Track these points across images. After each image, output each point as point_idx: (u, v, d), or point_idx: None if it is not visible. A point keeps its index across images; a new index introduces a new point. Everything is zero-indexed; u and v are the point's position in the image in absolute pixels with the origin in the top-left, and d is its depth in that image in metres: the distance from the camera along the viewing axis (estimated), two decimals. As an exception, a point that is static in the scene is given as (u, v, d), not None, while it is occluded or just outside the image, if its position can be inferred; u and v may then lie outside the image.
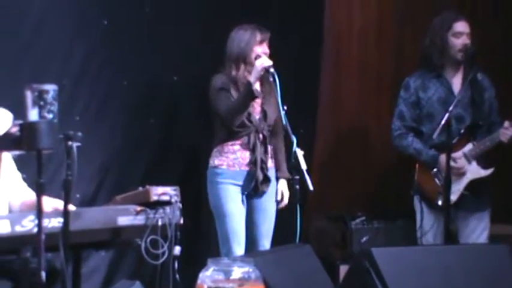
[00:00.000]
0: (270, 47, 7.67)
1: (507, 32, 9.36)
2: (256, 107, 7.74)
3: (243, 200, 7.67)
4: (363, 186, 8.86)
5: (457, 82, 7.69)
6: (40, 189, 5.04)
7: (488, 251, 7.13)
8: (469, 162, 7.53)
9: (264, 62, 7.44)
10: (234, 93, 7.68)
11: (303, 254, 6.72)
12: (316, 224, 8.29)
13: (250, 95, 7.48)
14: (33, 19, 7.67)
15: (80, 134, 5.26)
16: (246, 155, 7.68)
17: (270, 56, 7.56)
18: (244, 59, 7.67)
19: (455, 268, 6.58)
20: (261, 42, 7.67)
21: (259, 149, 7.70)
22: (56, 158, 5.97)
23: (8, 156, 6.32)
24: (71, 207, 5.44)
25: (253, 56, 7.58)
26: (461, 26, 7.70)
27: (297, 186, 6.94)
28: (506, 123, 7.20)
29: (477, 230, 7.75)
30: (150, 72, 8.00)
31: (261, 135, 7.67)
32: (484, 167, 7.52)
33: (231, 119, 7.60)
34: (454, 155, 7.47)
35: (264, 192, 7.62)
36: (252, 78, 7.49)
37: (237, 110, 7.60)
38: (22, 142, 5.21)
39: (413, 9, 9.14)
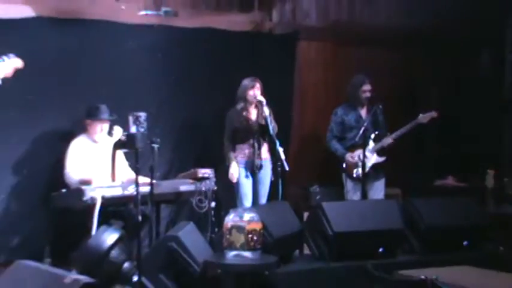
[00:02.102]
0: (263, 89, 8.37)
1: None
2: (253, 125, 8.44)
3: (247, 176, 8.52)
4: (317, 168, 9.51)
5: (362, 112, 8.89)
6: (137, 171, 6.32)
7: (385, 203, 8.27)
8: (372, 154, 8.71)
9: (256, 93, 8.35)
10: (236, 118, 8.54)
11: (283, 207, 7.62)
12: (291, 190, 8.72)
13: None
14: (132, 68, 8.59)
15: (158, 140, 6.58)
16: (249, 151, 8.45)
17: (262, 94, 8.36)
18: (244, 96, 8.43)
19: (368, 212, 7.53)
20: (253, 86, 8.39)
21: (256, 148, 8.39)
22: (146, 153, 6.48)
23: (120, 152, 7.56)
24: (154, 181, 6.51)
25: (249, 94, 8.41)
26: (366, 86, 8.82)
27: (279, 169, 7.98)
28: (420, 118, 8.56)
29: (378, 191, 8.92)
30: (202, 105, 8.96)
31: (256, 141, 8.38)
32: (380, 156, 8.81)
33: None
34: (356, 152, 8.79)
35: (260, 172, 8.47)
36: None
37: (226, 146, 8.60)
38: (127, 144, 6.57)
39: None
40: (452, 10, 9.37)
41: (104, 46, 8.56)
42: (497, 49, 9.63)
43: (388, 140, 8.77)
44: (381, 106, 8.87)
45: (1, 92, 6.78)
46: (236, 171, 8.58)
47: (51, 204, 7.65)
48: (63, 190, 7.67)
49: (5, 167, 8.14)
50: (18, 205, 8.20)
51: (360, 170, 8.67)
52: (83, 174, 7.75)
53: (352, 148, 8.90)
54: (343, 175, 8.99)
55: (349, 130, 8.94)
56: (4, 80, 6.77)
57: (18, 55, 6.92)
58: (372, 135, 8.81)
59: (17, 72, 6.82)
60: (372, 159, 8.79)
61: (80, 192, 7.19)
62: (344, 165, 8.94)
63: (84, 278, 4.54)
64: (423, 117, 8.68)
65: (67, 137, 8.08)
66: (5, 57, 6.73)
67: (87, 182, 7.48)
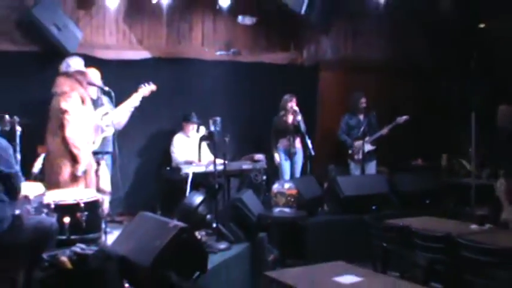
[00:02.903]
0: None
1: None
2: (290, 126, 8.29)
3: (286, 159, 8.36)
4: (332, 154, 9.26)
5: (361, 117, 8.83)
6: (215, 156, 6.32)
7: (376, 176, 8.42)
8: (367, 144, 8.61)
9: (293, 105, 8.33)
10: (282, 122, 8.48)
11: (310, 179, 7.77)
12: (315, 168, 8.27)
13: None
14: (211, 89, 8.60)
15: (228, 135, 6.51)
16: (287, 143, 8.31)
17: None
18: (285, 107, 8.41)
19: (365, 182, 7.80)
20: (290, 100, 8.37)
21: (291, 141, 8.20)
22: (220, 144, 6.37)
23: (204, 143, 7.39)
24: (226, 162, 6.48)
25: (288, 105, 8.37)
26: (363, 99, 8.81)
27: (308, 154, 8.00)
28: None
29: (371, 168, 8.78)
30: (256, 112, 8.84)
31: (291, 136, 8.23)
32: (372, 145, 8.72)
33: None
34: (357, 143, 8.72)
35: (294, 156, 8.28)
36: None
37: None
38: (208, 138, 6.56)
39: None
40: (424, 47, 9.37)
41: (194, 75, 8.63)
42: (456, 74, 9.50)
43: (383, 131, 8.71)
44: (374, 113, 8.87)
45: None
46: (278, 156, 8.55)
47: (161, 176, 7.83)
48: (168, 167, 7.85)
49: (132, 151, 8.29)
50: (140, 177, 8.33)
51: (360, 155, 8.63)
52: (184, 157, 7.88)
53: (354, 140, 8.82)
54: (349, 158, 8.93)
55: (352, 129, 8.90)
56: (143, 98, 7.20)
57: (140, 83, 7.30)
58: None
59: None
60: (367, 147, 8.66)
61: (178, 169, 7.41)
62: (350, 152, 8.88)
63: (181, 224, 4.55)
64: (399, 119, 8.62)
65: (171, 133, 8.21)
66: (146, 84, 7.23)
67: (189, 163, 7.65)
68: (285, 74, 9.19)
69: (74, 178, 6.21)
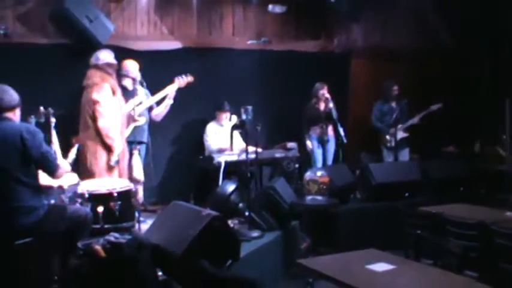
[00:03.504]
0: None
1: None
2: (322, 113, 8.36)
3: (318, 146, 8.44)
4: (364, 141, 9.17)
5: (393, 104, 8.79)
6: (247, 144, 6.22)
7: (409, 163, 8.35)
8: (400, 131, 8.61)
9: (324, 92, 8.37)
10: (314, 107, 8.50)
11: (342, 167, 7.72)
12: (347, 156, 8.20)
13: None
14: (243, 78, 8.55)
15: (260, 123, 6.42)
16: (320, 130, 8.38)
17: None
18: (317, 95, 8.45)
19: (398, 169, 7.73)
20: (322, 88, 8.41)
21: (324, 128, 8.30)
22: (252, 132, 6.27)
23: (236, 132, 7.32)
24: (258, 150, 6.47)
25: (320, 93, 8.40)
26: (395, 87, 8.80)
27: (340, 142, 7.92)
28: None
29: (404, 155, 8.77)
30: (288, 100, 8.79)
31: (324, 124, 8.31)
32: (405, 133, 8.72)
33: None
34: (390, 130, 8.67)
35: (327, 144, 8.37)
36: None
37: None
38: (240, 127, 6.54)
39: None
40: (455, 34, 9.21)
41: (226, 64, 8.62)
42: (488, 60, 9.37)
43: (415, 119, 8.65)
44: (406, 100, 8.75)
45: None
46: (311, 144, 8.56)
47: (194, 165, 7.81)
48: (201, 156, 7.85)
49: (166, 141, 8.34)
50: (174, 166, 8.40)
51: (393, 142, 8.58)
52: (217, 145, 7.91)
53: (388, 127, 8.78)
54: (382, 145, 8.90)
55: (385, 116, 8.84)
56: (179, 89, 7.33)
57: (173, 74, 7.39)
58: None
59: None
60: (400, 134, 8.62)
61: (211, 158, 7.40)
62: (385, 138, 8.82)
63: (214, 213, 4.55)
64: (433, 107, 8.58)
65: (203, 123, 8.21)
66: (183, 76, 7.35)
67: (222, 150, 7.70)
68: (315, 62, 9.13)
69: (107, 168, 6.31)
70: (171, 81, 7.47)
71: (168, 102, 7.46)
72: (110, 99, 6.34)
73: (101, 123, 6.24)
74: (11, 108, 4.45)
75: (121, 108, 6.57)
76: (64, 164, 4.79)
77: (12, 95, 4.46)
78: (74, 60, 7.36)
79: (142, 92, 7.28)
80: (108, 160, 6.28)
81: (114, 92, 6.43)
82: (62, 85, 7.30)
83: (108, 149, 6.30)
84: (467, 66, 9.47)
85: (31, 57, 7.30)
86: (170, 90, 7.39)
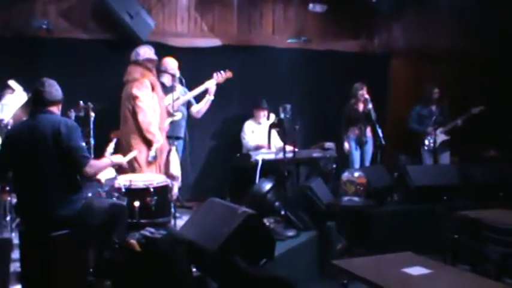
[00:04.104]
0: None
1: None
2: (361, 114, 8.30)
3: (356, 148, 8.41)
4: (403, 143, 9.02)
5: (433, 107, 8.67)
6: (284, 143, 6.17)
7: (448, 166, 8.17)
8: (441, 134, 8.52)
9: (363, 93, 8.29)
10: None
11: (381, 168, 7.58)
12: (386, 157, 8.27)
13: None
14: (282, 76, 8.54)
15: (298, 122, 6.43)
16: (358, 131, 8.35)
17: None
18: (356, 95, 8.38)
19: (437, 172, 7.53)
20: (361, 88, 8.34)
21: (362, 129, 8.28)
22: (290, 131, 6.24)
23: (274, 131, 7.08)
24: (296, 149, 6.42)
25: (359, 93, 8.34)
26: (435, 90, 8.66)
27: (378, 143, 7.97)
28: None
29: (445, 158, 8.66)
30: (326, 100, 8.79)
31: (362, 125, 8.29)
32: (446, 135, 8.58)
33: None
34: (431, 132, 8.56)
35: (365, 145, 8.36)
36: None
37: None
38: (278, 125, 6.45)
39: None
40: (496, 35, 8.93)
41: (265, 63, 8.62)
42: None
43: (458, 122, 8.51)
44: (446, 103, 8.61)
45: (202, 92, 7.31)
46: (348, 145, 8.51)
47: (231, 162, 7.75)
48: (238, 154, 7.81)
49: (203, 138, 8.41)
50: (211, 162, 8.47)
51: (432, 144, 8.48)
52: (255, 143, 7.93)
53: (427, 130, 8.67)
54: (422, 148, 8.75)
55: (424, 120, 8.71)
56: (218, 86, 7.37)
57: (212, 71, 7.40)
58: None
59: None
60: (441, 137, 8.53)
61: (248, 156, 7.32)
62: (424, 141, 8.69)
63: (250, 211, 4.54)
64: (474, 110, 8.43)
65: (241, 120, 8.22)
66: (222, 71, 7.35)
67: (260, 147, 7.73)
68: (355, 62, 9.08)
69: (147, 163, 6.38)
70: (210, 78, 7.48)
71: (208, 98, 7.47)
72: (149, 95, 6.41)
73: (141, 118, 6.31)
74: (56, 103, 4.54)
75: (160, 103, 6.63)
76: (99, 164, 4.70)
77: (58, 90, 4.55)
78: (114, 55, 7.47)
79: (179, 88, 7.32)
80: (145, 155, 6.34)
81: (153, 88, 6.49)
82: (102, 80, 7.40)
83: (148, 144, 6.37)
84: (510, 69, 9.26)
85: (72, 52, 7.43)
86: (208, 86, 7.40)
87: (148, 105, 6.37)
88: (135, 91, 6.36)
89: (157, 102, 6.53)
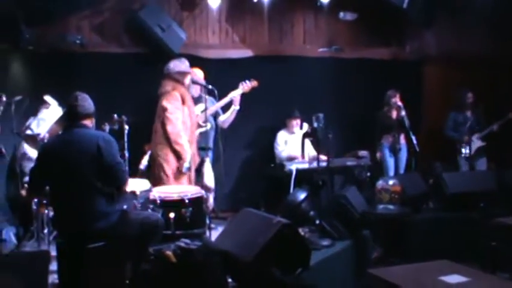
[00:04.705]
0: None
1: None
2: (394, 121, 8.17)
3: (390, 155, 8.35)
4: (438, 150, 8.95)
5: (468, 113, 8.52)
6: (318, 152, 6.32)
7: (485, 173, 8.03)
8: (477, 140, 8.37)
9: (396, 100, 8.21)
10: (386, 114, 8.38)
11: (415, 176, 7.50)
12: (420, 164, 8.18)
13: None
14: (314, 85, 8.59)
15: (331, 131, 6.47)
16: (392, 139, 8.28)
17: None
18: (389, 102, 8.32)
19: (473, 179, 7.31)
20: (394, 95, 8.26)
21: (396, 137, 8.17)
22: (324, 140, 6.38)
23: (307, 140, 7.33)
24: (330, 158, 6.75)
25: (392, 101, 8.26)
26: (469, 95, 8.52)
27: (412, 150, 7.96)
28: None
29: (481, 165, 8.48)
30: (359, 108, 8.70)
31: (396, 132, 8.17)
32: (482, 141, 8.42)
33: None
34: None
35: (399, 152, 8.25)
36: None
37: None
38: (311, 135, 6.56)
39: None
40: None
41: (297, 72, 8.65)
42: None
43: (494, 127, 8.33)
44: (481, 109, 8.51)
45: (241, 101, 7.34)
46: (379, 155, 8.50)
47: (265, 172, 7.86)
48: (272, 164, 7.90)
49: (237, 148, 8.43)
50: (245, 173, 8.52)
51: (468, 150, 8.34)
52: (287, 153, 7.97)
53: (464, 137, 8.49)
54: (458, 155, 8.62)
55: (460, 126, 8.56)
56: (246, 95, 7.35)
57: (241, 81, 7.39)
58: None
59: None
60: (477, 143, 8.42)
61: (282, 166, 7.42)
62: (460, 148, 8.55)
63: (284, 220, 4.52)
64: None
65: (274, 130, 8.27)
66: (247, 81, 7.32)
67: (293, 158, 7.76)
68: (388, 70, 9.06)
69: (176, 174, 6.41)
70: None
71: (234, 108, 7.45)
72: (179, 107, 6.49)
73: (170, 129, 6.38)
74: (89, 116, 4.60)
75: (191, 116, 6.69)
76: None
77: (91, 104, 4.63)
78: (147, 69, 7.55)
79: (208, 99, 7.26)
80: (179, 166, 6.38)
81: (183, 100, 6.56)
82: (135, 93, 7.54)
83: (177, 156, 6.41)
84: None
85: (106, 66, 7.57)
86: (234, 95, 7.38)
87: (177, 117, 6.43)
88: (165, 103, 6.45)
89: (187, 114, 6.59)
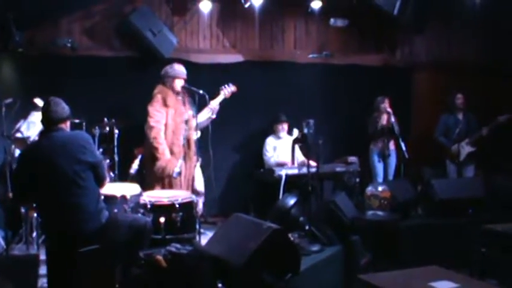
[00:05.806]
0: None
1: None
2: (384, 127, 8.21)
3: (379, 161, 8.36)
4: (427, 156, 8.85)
5: (459, 116, 8.48)
6: (308, 158, 6.15)
7: (473, 179, 8.02)
8: (467, 146, 8.35)
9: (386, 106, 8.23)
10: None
11: (404, 182, 7.34)
12: (409, 171, 8.06)
13: None
14: (304, 91, 8.62)
15: (321, 137, 6.10)
16: (381, 144, 8.28)
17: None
18: (378, 108, 8.33)
19: (462, 185, 7.24)
20: (384, 101, 8.28)
21: (385, 142, 8.20)
22: (313, 146, 6.08)
23: (297, 146, 7.15)
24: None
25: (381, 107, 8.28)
26: (459, 95, 8.49)
27: (402, 157, 7.84)
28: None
29: (470, 171, 8.51)
30: (348, 113, 8.75)
31: (385, 138, 8.20)
32: (472, 147, 8.37)
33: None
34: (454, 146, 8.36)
35: (388, 158, 8.28)
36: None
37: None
38: (301, 141, 6.30)
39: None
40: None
41: (287, 78, 8.65)
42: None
43: (483, 132, 8.32)
44: (472, 114, 8.53)
45: (225, 108, 7.22)
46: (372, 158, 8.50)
47: (254, 178, 7.82)
48: (262, 169, 7.88)
49: (226, 154, 8.38)
50: (234, 178, 8.48)
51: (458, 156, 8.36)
52: (276, 159, 7.97)
53: (454, 142, 8.46)
54: (447, 161, 8.62)
55: (451, 129, 8.54)
56: (224, 99, 7.16)
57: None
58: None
59: (233, 95, 7.25)
60: (467, 149, 8.41)
61: (272, 171, 7.38)
62: (449, 153, 8.53)
63: (274, 226, 4.54)
64: (501, 118, 8.24)
65: (264, 136, 8.26)
66: (226, 86, 7.11)
67: (281, 164, 7.73)
68: (378, 76, 9.08)
69: (157, 178, 6.45)
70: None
71: (211, 117, 7.12)
72: (159, 109, 6.56)
73: (148, 132, 6.48)
74: (64, 120, 4.58)
75: (175, 119, 6.69)
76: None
77: (65, 107, 4.60)
78: (138, 72, 7.59)
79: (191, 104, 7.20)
80: (170, 172, 6.38)
81: (166, 102, 6.59)
82: (125, 97, 7.50)
83: (155, 159, 6.45)
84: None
85: (96, 69, 7.54)
86: (216, 103, 7.15)
87: (156, 120, 6.50)
88: (148, 106, 6.55)
89: (171, 117, 6.62)
